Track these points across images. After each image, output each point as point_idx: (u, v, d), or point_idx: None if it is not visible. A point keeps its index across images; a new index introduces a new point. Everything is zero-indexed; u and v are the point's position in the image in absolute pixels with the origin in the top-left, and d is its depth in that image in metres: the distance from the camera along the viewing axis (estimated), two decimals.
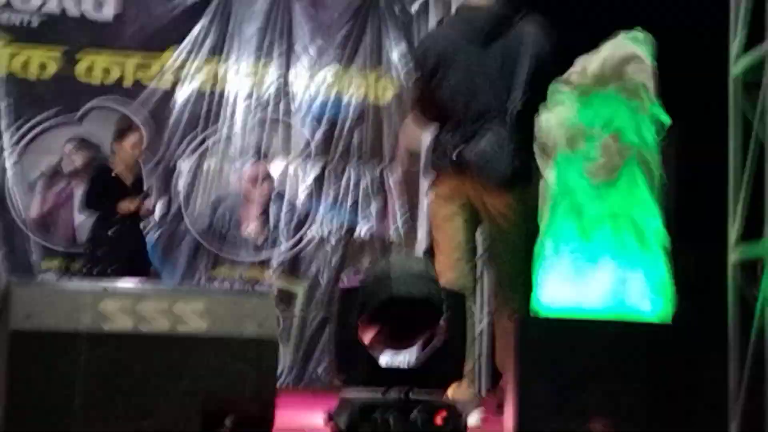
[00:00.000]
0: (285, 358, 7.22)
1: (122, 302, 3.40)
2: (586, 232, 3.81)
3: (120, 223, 6.74)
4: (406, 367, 3.53)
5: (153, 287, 3.94)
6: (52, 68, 7.51)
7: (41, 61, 7.51)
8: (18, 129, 7.43)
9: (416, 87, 4.76)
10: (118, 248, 6.70)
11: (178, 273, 7.41)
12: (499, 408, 4.39)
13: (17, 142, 7.42)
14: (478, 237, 4.68)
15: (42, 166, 7.49)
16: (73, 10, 7.54)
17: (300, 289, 7.48)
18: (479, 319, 6.71)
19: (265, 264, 7.55)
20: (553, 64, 4.43)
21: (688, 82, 5.31)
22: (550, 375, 3.52)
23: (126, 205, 6.74)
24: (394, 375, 3.50)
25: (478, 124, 4.42)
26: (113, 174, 6.86)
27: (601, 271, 3.75)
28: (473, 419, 4.07)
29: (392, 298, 3.35)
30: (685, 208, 4.98)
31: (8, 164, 7.39)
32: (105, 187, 6.81)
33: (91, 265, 6.70)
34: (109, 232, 6.72)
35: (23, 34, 7.48)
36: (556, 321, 3.70)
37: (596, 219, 3.83)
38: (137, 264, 6.79)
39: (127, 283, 3.82)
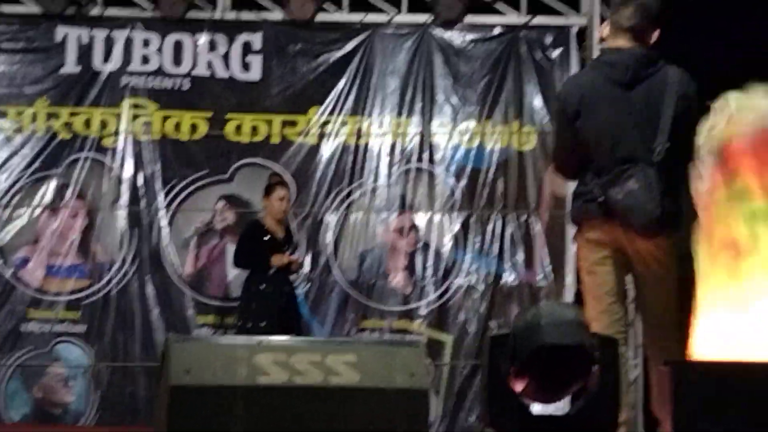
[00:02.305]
0: (436, 408, 7.20)
1: (276, 355, 3.46)
2: (745, 272, 3.70)
3: (272, 278, 6.89)
4: (560, 415, 3.48)
5: (305, 340, 4.01)
6: (202, 129, 7.77)
7: (192, 123, 7.77)
8: (171, 189, 7.69)
9: (558, 134, 4.73)
10: (271, 302, 6.84)
11: (328, 324, 7.50)
12: None
13: (171, 202, 7.67)
14: (628, 281, 4.60)
15: (195, 224, 7.71)
16: (221, 73, 7.79)
17: (448, 339, 7.47)
18: (633, 366, 6.58)
19: (413, 314, 7.58)
20: (698, 106, 4.35)
21: None
22: (708, 423, 3.40)
23: (279, 259, 6.90)
24: (547, 424, 3.45)
25: (624, 167, 4.36)
26: (264, 228, 7.03)
27: (762, 313, 3.62)
28: None
29: (543, 346, 3.31)
30: None
31: (163, 223, 7.64)
32: (256, 243, 6.98)
33: (245, 319, 6.86)
34: (262, 287, 6.87)
35: (175, 98, 7.77)
36: (713, 365, 3.58)
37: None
38: (289, 317, 6.91)
39: (280, 337, 3.90)
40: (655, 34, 4.53)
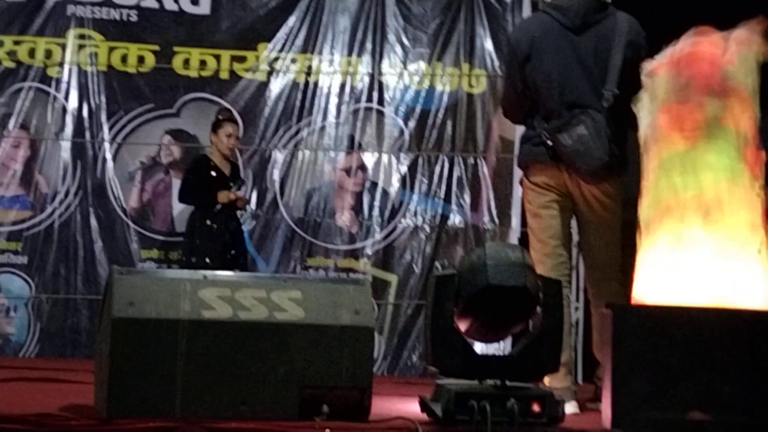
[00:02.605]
0: (379, 346, 7.25)
1: (221, 290, 3.47)
2: (683, 220, 3.75)
3: (218, 214, 6.86)
4: (502, 355, 3.52)
5: (251, 276, 4.01)
6: (150, 62, 7.65)
7: (139, 55, 7.65)
8: (117, 121, 7.59)
9: (507, 78, 4.73)
10: (216, 238, 6.82)
11: (273, 261, 7.49)
12: (596, 397, 4.37)
13: (116, 135, 7.58)
14: (573, 225, 4.64)
15: (140, 158, 7.63)
16: (170, 5, 7.66)
17: (393, 278, 7.51)
18: (575, 308, 6.67)
19: (358, 253, 7.59)
20: (646, 53, 4.38)
21: None
22: (647, 364, 3.48)
23: (225, 195, 6.86)
24: (490, 363, 3.50)
25: (573, 112, 4.38)
26: (211, 164, 6.99)
27: (699, 259, 3.69)
28: (570, 408, 4.04)
29: (489, 286, 3.34)
30: None
31: (108, 156, 7.55)
32: (202, 178, 6.93)
33: (190, 255, 6.83)
34: (207, 223, 6.84)
35: (122, 29, 7.63)
36: (652, 309, 3.65)
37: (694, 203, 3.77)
38: (235, 254, 6.89)
39: (225, 272, 3.88)
40: None
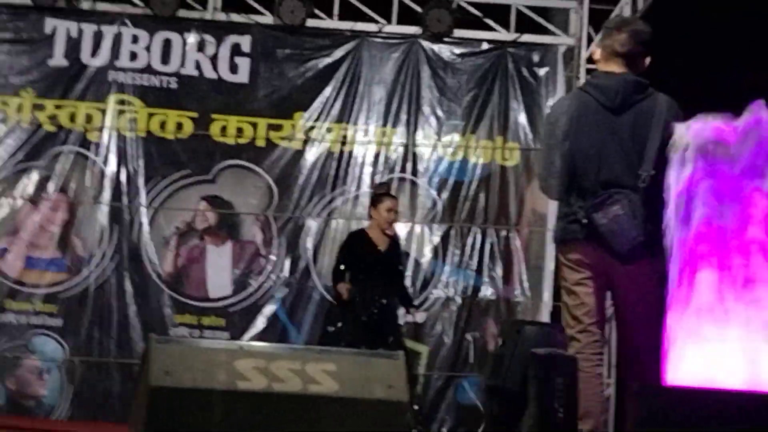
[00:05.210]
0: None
1: (256, 361, 3.49)
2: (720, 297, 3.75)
3: (376, 307, 6.67)
4: None
5: (286, 347, 4.03)
6: (188, 128, 7.77)
7: (178, 121, 7.78)
8: (154, 186, 7.69)
9: (546, 153, 4.76)
10: (366, 331, 6.59)
11: (305, 329, 7.50)
12: None
13: (153, 199, 7.68)
14: (607, 303, 4.64)
15: (176, 223, 7.72)
16: (209, 73, 7.79)
17: (424, 349, 7.49)
18: (607, 384, 6.63)
19: None
20: None
21: None
22: None
23: (342, 289, 6.70)
24: None
25: (609, 191, 4.40)
26: (367, 239, 6.86)
27: (733, 343, 3.67)
28: None
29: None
30: None
31: (144, 220, 7.64)
32: (355, 253, 6.83)
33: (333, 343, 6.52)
34: (363, 317, 6.64)
35: (162, 96, 7.77)
36: (680, 391, 3.63)
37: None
38: (379, 331, 6.64)
39: (260, 343, 3.91)
40: (647, 61, 4.58)
